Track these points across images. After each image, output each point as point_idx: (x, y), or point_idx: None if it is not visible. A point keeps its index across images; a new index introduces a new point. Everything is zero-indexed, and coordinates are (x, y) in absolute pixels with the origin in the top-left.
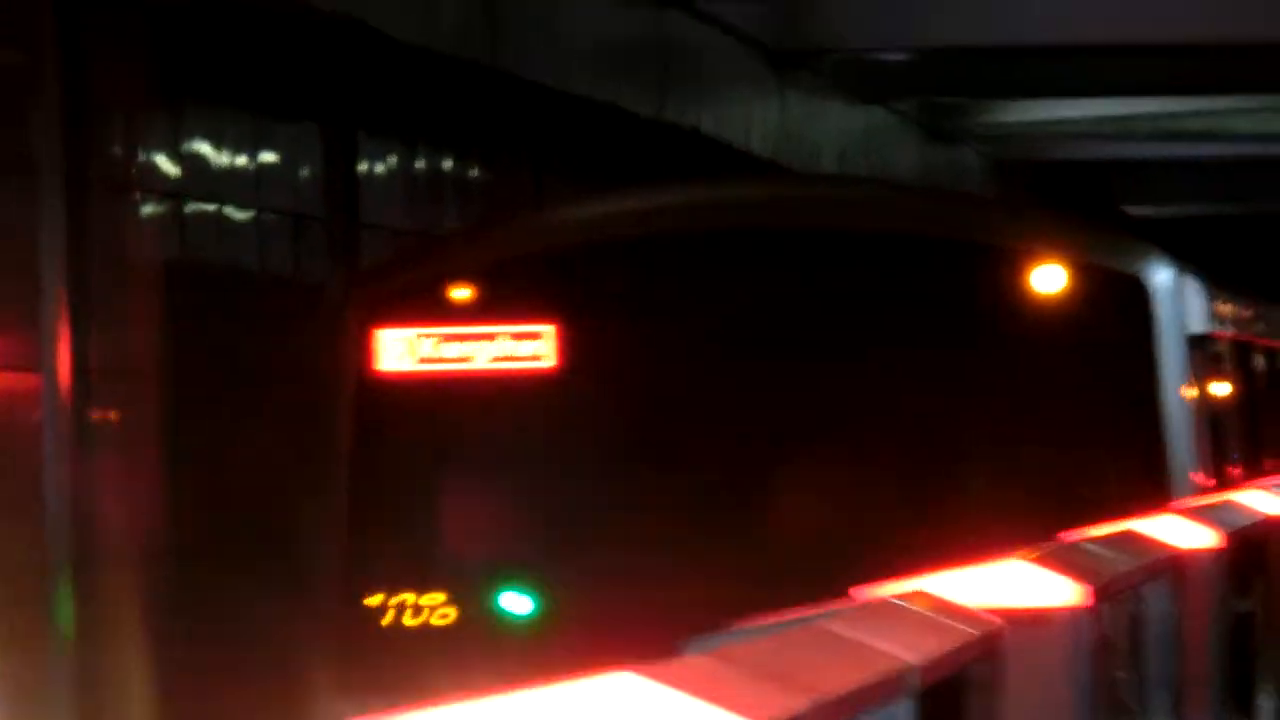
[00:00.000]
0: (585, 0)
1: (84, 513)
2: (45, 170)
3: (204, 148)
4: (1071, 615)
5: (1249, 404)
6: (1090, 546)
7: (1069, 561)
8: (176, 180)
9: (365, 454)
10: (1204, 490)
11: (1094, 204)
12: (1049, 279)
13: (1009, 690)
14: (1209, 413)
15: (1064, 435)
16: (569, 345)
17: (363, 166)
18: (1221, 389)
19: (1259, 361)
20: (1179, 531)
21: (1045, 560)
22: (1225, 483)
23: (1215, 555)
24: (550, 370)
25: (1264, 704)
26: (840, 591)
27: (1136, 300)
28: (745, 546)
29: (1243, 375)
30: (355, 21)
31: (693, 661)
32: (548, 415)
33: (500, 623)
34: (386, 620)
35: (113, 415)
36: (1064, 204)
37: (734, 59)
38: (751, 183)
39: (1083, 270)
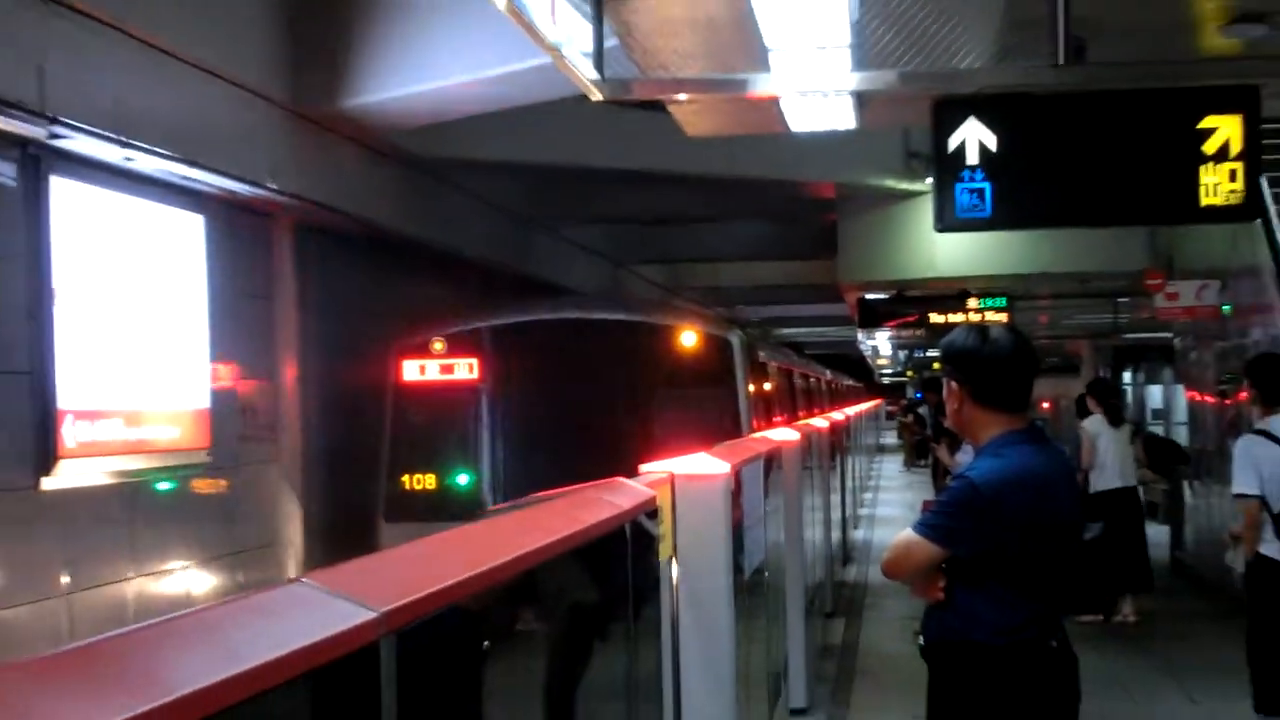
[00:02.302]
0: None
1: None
2: None
3: None
4: (794, 448)
5: (777, 392)
6: (784, 429)
7: (798, 429)
8: None
9: (396, 419)
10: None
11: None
12: (689, 339)
13: (782, 467)
14: (759, 398)
15: (698, 413)
16: (484, 370)
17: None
18: (764, 386)
19: (782, 373)
20: (813, 425)
21: (730, 448)
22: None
23: (828, 429)
24: (477, 381)
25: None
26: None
27: (726, 349)
28: (566, 461)
29: (774, 380)
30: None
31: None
32: (477, 402)
33: (455, 488)
34: (406, 487)
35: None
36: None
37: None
38: (555, 300)
39: (703, 336)
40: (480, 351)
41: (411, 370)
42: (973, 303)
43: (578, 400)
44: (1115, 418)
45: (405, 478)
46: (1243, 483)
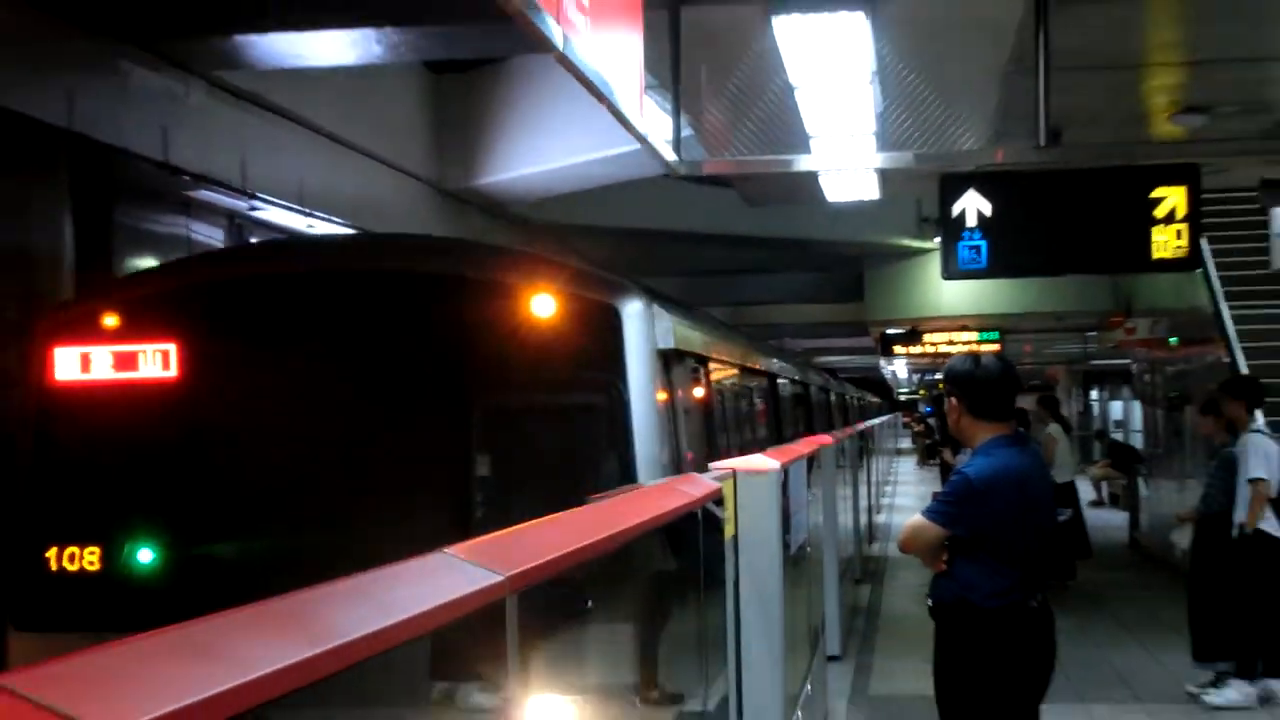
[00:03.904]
0: None
1: None
2: None
3: None
4: (830, 450)
5: (711, 403)
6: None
7: (782, 452)
8: None
9: (39, 450)
10: (675, 468)
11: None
12: (542, 307)
13: (820, 465)
14: (691, 412)
15: (563, 429)
16: (192, 361)
17: None
18: (695, 393)
19: (720, 372)
20: (813, 443)
21: (780, 451)
22: (689, 463)
23: (808, 453)
24: (177, 380)
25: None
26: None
27: (608, 325)
28: (328, 526)
29: (728, 389)
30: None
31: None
32: (174, 414)
33: (138, 572)
34: (53, 568)
35: None
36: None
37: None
38: (319, 240)
39: (567, 300)
40: (185, 329)
41: (68, 365)
42: (971, 336)
43: (352, 417)
44: (1067, 427)
45: (52, 553)
46: (1256, 469)
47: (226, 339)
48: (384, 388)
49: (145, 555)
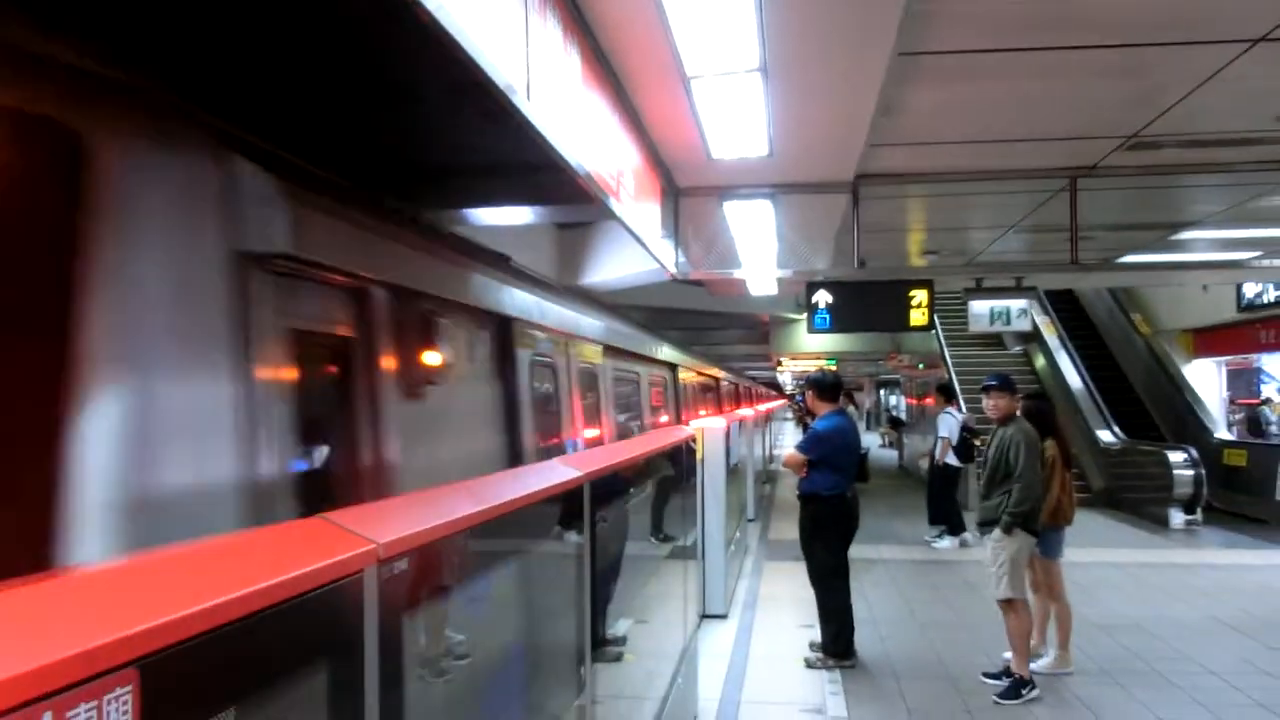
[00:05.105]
0: None
1: None
2: None
3: None
4: (750, 419)
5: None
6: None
7: (729, 416)
8: None
9: None
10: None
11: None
12: None
13: (745, 424)
14: (306, 387)
15: None
16: None
17: None
18: (421, 355)
19: (528, 342)
20: (741, 414)
21: (728, 416)
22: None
23: (725, 428)
24: None
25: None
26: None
27: (63, 163)
28: None
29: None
30: None
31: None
32: None
33: None
34: None
35: None
36: None
37: None
38: None
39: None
40: None
41: None
42: (822, 361)
43: None
44: (857, 408)
45: None
46: (945, 431)
47: None
48: None
49: None
